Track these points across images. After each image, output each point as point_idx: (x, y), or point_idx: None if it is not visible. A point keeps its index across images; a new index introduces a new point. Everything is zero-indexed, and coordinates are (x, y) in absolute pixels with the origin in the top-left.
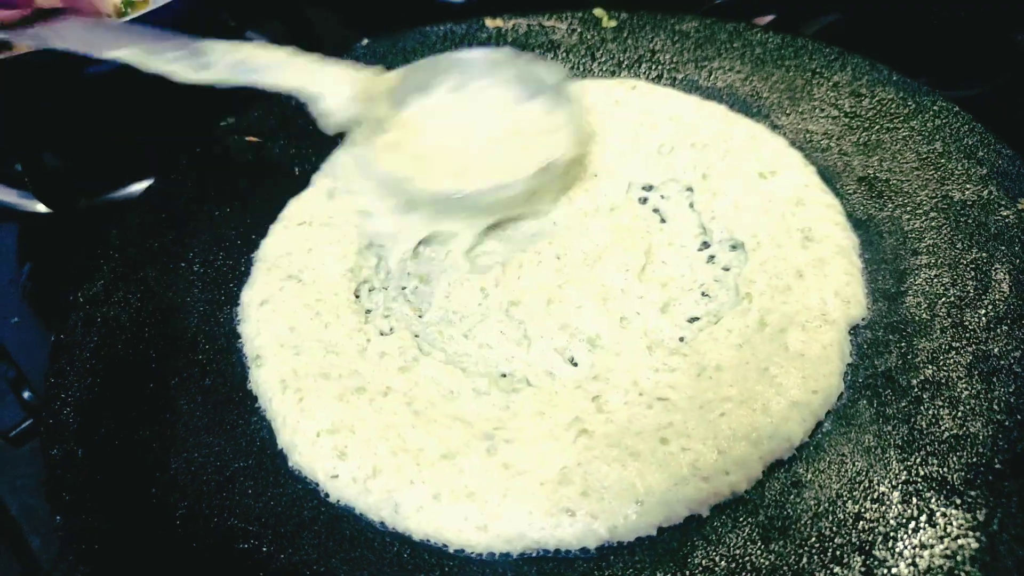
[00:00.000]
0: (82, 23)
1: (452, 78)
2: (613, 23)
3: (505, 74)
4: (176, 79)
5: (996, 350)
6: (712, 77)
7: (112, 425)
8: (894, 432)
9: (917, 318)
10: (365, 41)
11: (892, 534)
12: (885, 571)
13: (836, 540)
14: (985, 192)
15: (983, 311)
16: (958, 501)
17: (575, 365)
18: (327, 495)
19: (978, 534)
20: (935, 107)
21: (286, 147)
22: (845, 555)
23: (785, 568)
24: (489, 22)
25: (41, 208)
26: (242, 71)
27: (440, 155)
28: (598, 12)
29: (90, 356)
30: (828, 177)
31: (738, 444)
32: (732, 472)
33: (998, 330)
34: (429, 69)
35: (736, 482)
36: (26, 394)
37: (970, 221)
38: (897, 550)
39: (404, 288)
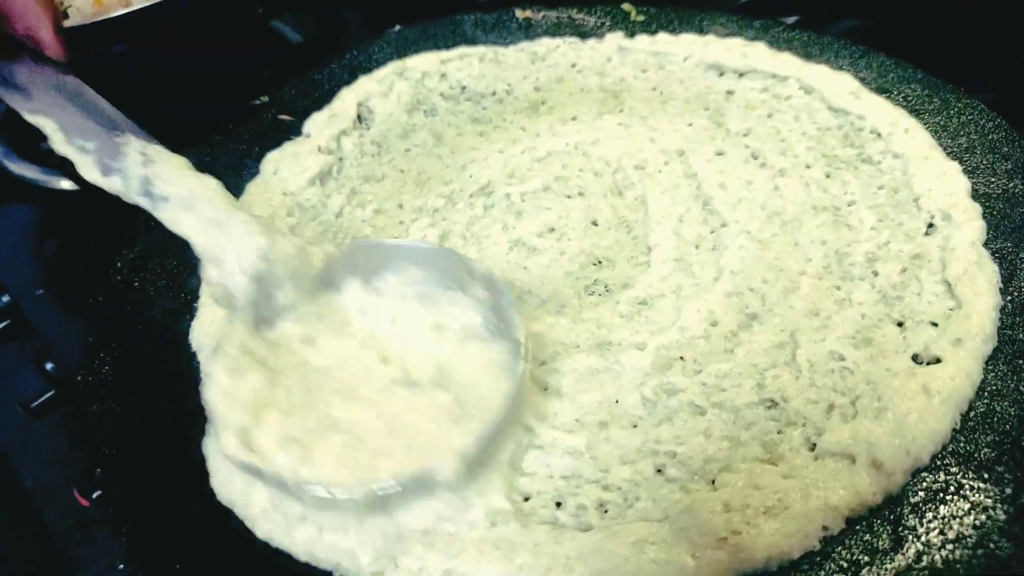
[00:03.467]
0: (26, 69)
1: (375, 269)
2: (641, 17)
3: (439, 281)
4: (78, 170)
5: (1022, 335)
6: None
7: (149, 384)
8: None
9: None
10: (397, 27)
11: (922, 505)
12: (915, 538)
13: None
14: (1011, 185)
15: (1009, 298)
16: (986, 475)
17: None
18: None
19: (1006, 506)
20: (960, 104)
21: None
22: (876, 524)
23: None
24: (519, 13)
25: (65, 185)
26: (145, 192)
27: (329, 393)
28: (626, 7)
29: (128, 318)
30: None
31: None
32: None
33: (1023, 317)
34: (357, 257)
35: None
36: (48, 366)
37: (995, 213)
38: (927, 519)
39: None
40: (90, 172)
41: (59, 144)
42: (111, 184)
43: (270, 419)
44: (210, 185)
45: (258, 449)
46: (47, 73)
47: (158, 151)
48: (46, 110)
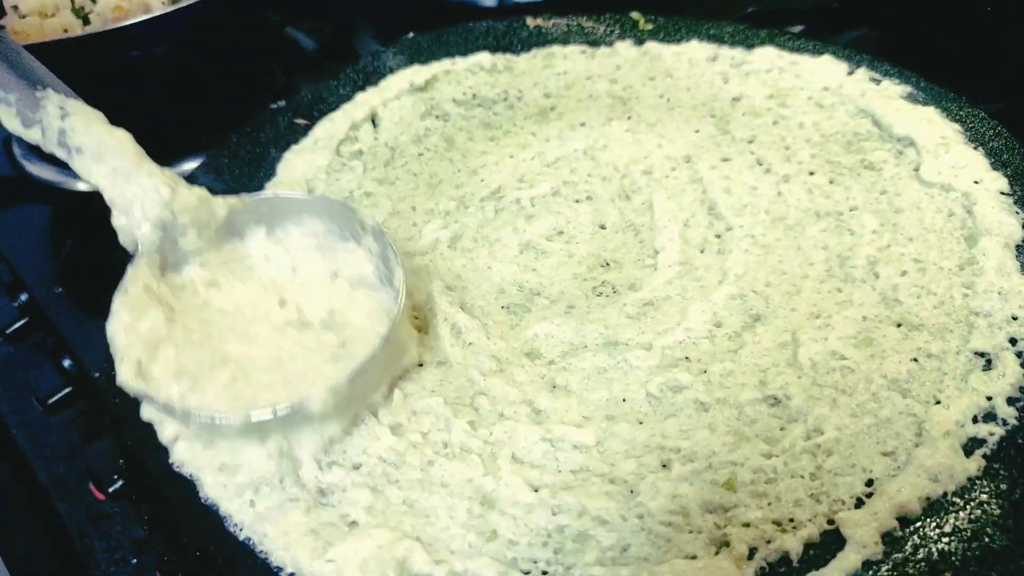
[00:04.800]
0: None
1: (278, 221)
2: (650, 26)
3: (337, 233)
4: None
5: None
6: None
7: None
8: None
9: None
10: (411, 35)
11: None
12: (913, 532)
13: None
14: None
15: None
16: (982, 472)
17: None
18: None
19: (1001, 501)
20: (961, 112)
21: None
22: None
23: None
24: (530, 21)
25: (82, 186)
26: (61, 143)
27: (225, 331)
28: (635, 15)
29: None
30: None
31: None
32: None
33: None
34: (261, 208)
35: None
36: (66, 362)
37: None
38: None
39: None
40: (11, 122)
41: None
42: (31, 135)
43: (166, 353)
44: (121, 138)
45: (152, 380)
46: None
47: (75, 105)
48: None
